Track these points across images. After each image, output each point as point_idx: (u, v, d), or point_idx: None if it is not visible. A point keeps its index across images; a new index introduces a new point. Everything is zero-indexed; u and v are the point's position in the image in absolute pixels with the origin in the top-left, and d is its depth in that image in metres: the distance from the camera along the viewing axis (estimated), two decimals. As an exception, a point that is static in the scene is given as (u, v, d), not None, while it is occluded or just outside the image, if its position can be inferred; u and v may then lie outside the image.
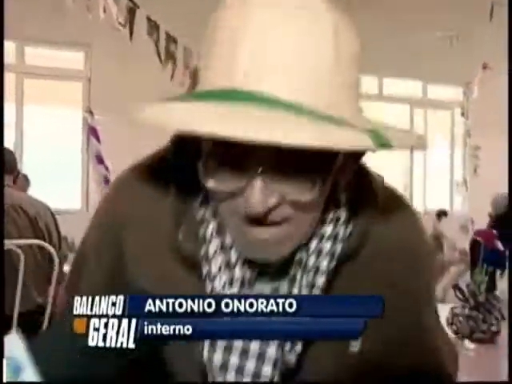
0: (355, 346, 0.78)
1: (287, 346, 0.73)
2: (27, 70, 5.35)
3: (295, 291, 0.74)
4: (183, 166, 0.75)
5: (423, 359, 0.87)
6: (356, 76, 0.69)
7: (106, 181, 5.39)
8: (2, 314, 0.49)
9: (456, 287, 2.01)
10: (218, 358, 0.73)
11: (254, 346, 0.73)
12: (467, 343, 1.91)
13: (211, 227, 0.75)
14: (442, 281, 4.99)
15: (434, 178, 8.21)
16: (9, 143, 5.29)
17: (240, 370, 0.74)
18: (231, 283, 0.74)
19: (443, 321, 1.89)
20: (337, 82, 0.64)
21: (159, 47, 4.82)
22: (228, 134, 0.54)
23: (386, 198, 0.82)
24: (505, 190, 4.45)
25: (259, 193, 0.64)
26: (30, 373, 0.64)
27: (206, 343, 0.73)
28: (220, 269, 0.74)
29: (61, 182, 5.51)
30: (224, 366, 0.74)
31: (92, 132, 5.30)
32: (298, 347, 0.74)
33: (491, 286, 1.98)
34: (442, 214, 5.40)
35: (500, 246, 2.32)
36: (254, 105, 0.60)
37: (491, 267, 1.96)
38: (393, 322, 0.74)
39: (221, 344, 0.73)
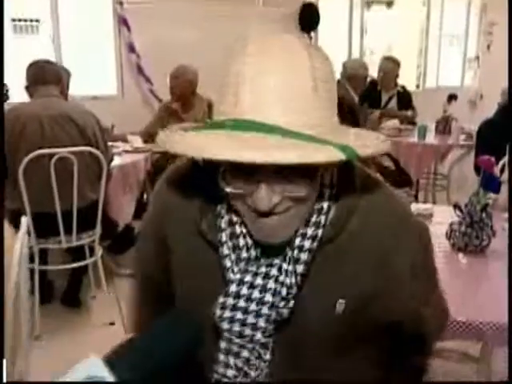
0: (340, 306, 0.95)
1: (281, 303, 0.91)
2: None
3: (284, 266, 0.91)
4: (207, 173, 0.93)
5: (403, 318, 1.02)
6: (332, 96, 0.84)
7: (139, 68, 5.60)
8: (1, 314, 0.60)
9: (456, 206, 2.12)
10: (227, 314, 0.92)
11: (253, 306, 0.91)
12: (461, 256, 2.06)
13: (224, 220, 0.94)
14: (447, 159, 5.23)
15: (447, 55, 8.11)
16: (47, 38, 5.46)
17: (243, 322, 0.92)
18: (238, 261, 0.93)
19: (443, 235, 2.07)
20: (317, 107, 0.80)
21: None
22: (237, 159, 0.72)
23: (368, 189, 0.97)
24: None
25: (265, 194, 0.81)
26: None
27: (219, 304, 0.92)
28: (230, 250, 0.93)
29: (97, 71, 5.69)
30: (232, 320, 0.92)
31: (122, 22, 5.42)
32: (290, 303, 0.92)
33: (485, 207, 2.07)
34: (452, 98, 5.50)
35: (497, 172, 2.49)
36: (256, 132, 0.76)
37: (488, 192, 2.08)
38: (373, 288, 0.95)
39: (229, 304, 0.92)
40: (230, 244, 0.93)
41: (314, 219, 0.91)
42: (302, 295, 0.93)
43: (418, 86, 7.84)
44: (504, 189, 2.65)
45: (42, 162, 2.84)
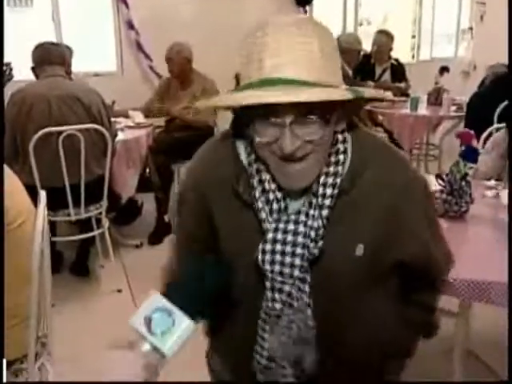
0: (360, 250, 1.11)
1: (312, 244, 1.08)
2: None
3: (311, 212, 1.08)
4: (239, 139, 1.14)
5: (415, 259, 1.18)
6: (335, 62, 1.04)
7: (138, 44, 5.69)
8: (1, 315, 0.69)
9: (438, 176, 2.26)
10: (268, 258, 1.09)
11: (288, 248, 1.08)
12: (442, 221, 2.09)
13: (256, 180, 1.10)
14: (438, 130, 5.38)
15: (441, 26, 8.19)
16: (48, 17, 5.51)
17: (282, 262, 1.09)
18: (272, 212, 1.10)
19: None
20: (324, 67, 0.99)
21: None
22: (265, 101, 0.92)
23: (377, 148, 1.15)
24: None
25: (289, 138, 0.99)
26: (179, 314, 0.84)
27: (260, 250, 1.09)
28: (263, 204, 1.10)
29: (97, 48, 5.79)
30: (272, 262, 1.09)
31: (120, -2, 5.51)
32: (319, 243, 1.08)
33: (465, 176, 2.20)
34: (444, 69, 5.62)
35: (475, 144, 2.64)
36: (278, 85, 0.96)
37: (467, 162, 2.21)
38: (388, 233, 1.12)
39: (268, 249, 1.09)
40: (263, 199, 1.10)
41: (332, 170, 1.09)
42: (330, 239, 1.09)
43: (413, 57, 7.92)
44: (484, 158, 2.83)
45: (50, 139, 3.00)
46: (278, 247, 1.09)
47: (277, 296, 1.12)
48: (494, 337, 2.81)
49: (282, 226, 1.09)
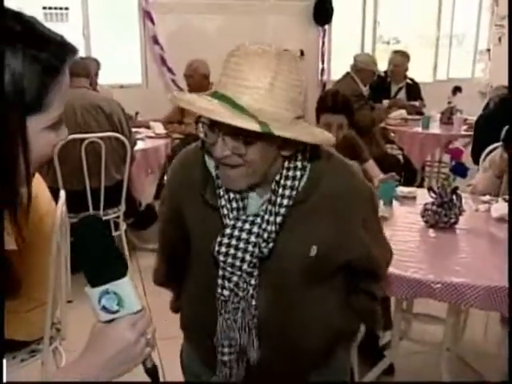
0: (313, 251, 1.27)
1: (263, 244, 1.23)
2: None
3: (266, 217, 1.23)
4: (206, 151, 1.27)
5: (358, 259, 1.35)
6: (289, 98, 1.13)
7: (162, 59, 5.95)
8: (2, 316, 0.78)
9: (430, 189, 2.39)
10: (223, 250, 1.25)
11: (241, 244, 1.25)
12: (431, 231, 2.32)
13: (221, 192, 1.26)
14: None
15: (458, 47, 8.32)
16: (79, 32, 5.80)
17: (234, 256, 1.25)
18: (232, 211, 1.25)
19: (418, 214, 2.38)
20: (268, 98, 1.10)
21: None
22: (193, 109, 1.08)
23: (332, 163, 1.30)
24: None
25: (219, 146, 1.14)
26: (112, 284, 0.89)
27: (217, 242, 1.25)
28: (226, 202, 1.25)
29: (124, 62, 6.06)
30: (226, 254, 1.25)
31: (146, 15, 5.77)
32: (270, 245, 1.24)
33: (455, 189, 2.34)
34: (457, 89, 5.73)
35: (465, 160, 2.77)
36: (218, 100, 1.10)
37: (456, 176, 2.35)
38: (337, 237, 1.29)
39: (224, 242, 1.24)
40: (226, 197, 1.26)
41: (289, 183, 1.23)
42: (284, 241, 1.25)
43: (431, 76, 8.03)
44: (481, 176, 2.95)
45: (73, 146, 3.22)
46: (233, 242, 1.25)
47: (226, 284, 1.30)
48: (483, 344, 2.91)
49: (239, 224, 1.26)
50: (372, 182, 2.77)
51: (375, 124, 5.04)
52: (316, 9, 6.65)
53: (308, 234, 1.28)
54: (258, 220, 1.26)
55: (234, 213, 1.26)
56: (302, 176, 1.25)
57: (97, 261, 0.90)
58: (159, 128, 4.51)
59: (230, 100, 1.11)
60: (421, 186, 5.28)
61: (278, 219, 1.23)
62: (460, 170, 2.32)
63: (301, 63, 1.21)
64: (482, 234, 2.42)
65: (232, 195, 1.26)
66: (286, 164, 1.24)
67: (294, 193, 1.24)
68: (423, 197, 2.76)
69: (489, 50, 8.03)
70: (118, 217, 3.58)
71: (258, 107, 1.10)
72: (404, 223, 2.44)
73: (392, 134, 5.31)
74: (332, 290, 1.40)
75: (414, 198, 2.83)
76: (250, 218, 1.26)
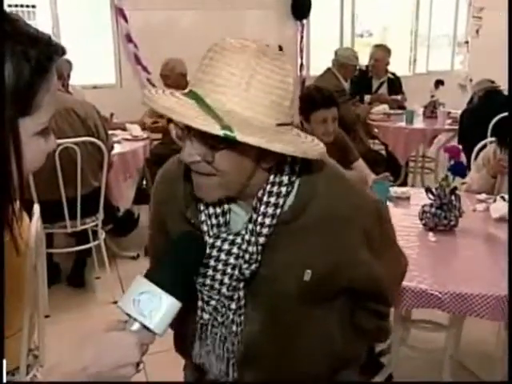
0: (307, 275, 1.13)
1: (244, 265, 1.11)
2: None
3: (247, 237, 1.10)
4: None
5: (360, 282, 1.20)
6: (268, 100, 0.98)
7: (136, 57, 5.76)
8: (1, 316, 0.72)
9: (428, 190, 2.28)
10: (201, 271, 1.13)
11: (220, 266, 1.13)
12: (431, 234, 2.22)
13: (202, 206, 1.15)
14: (434, 144, 5.42)
15: (437, 40, 8.27)
16: (47, 30, 5.53)
17: (213, 278, 1.14)
18: (212, 227, 1.13)
19: (415, 216, 2.29)
20: (244, 99, 0.96)
21: None
22: (156, 108, 0.95)
23: (328, 179, 1.13)
24: (503, 51, 4.62)
25: (187, 148, 1.01)
26: (164, 294, 0.88)
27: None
28: (206, 217, 1.14)
29: (97, 62, 5.85)
30: (204, 275, 1.14)
31: (119, 12, 5.57)
32: (252, 266, 1.11)
33: (454, 190, 2.23)
34: (439, 83, 5.68)
35: (463, 159, 2.69)
36: (190, 98, 0.97)
37: (455, 176, 2.25)
38: (334, 260, 1.14)
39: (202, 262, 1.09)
40: (206, 212, 1.14)
41: (273, 200, 1.09)
42: (272, 263, 1.13)
43: (409, 70, 7.98)
44: (475, 176, 2.86)
45: (46, 152, 3.02)
46: (212, 263, 1.14)
47: (205, 307, 1.18)
48: (483, 349, 2.83)
49: (218, 243, 1.13)
50: (367, 183, 2.66)
51: (360, 120, 4.96)
52: (294, 3, 6.53)
53: (299, 256, 1.13)
54: (239, 240, 1.12)
55: (215, 229, 1.14)
56: (288, 193, 1.11)
57: (175, 267, 0.92)
58: (136, 130, 4.33)
59: (198, 98, 0.97)
60: (405, 181, 5.22)
61: (261, 240, 1.10)
62: (459, 170, 2.21)
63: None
64: (484, 236, 2.33)
65: (212, 210, 1.14)
66: (271, 178, 1.09)
67: (279, 211, 1.10)
68: (417, 197, 2.67)
69: (467, 43, 8.01)
70: (96, 225, 3.40)
71: (228, 108, 0.96)
72: (401, 226, 2.31)
73: (375, 130, 5.22)
74: (332, 309, 1.25)
75: (408, 198, 2.73)
76: (231, 237, 1.13)
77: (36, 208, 1.88)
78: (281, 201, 1.10)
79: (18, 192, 0.84)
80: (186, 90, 1.02)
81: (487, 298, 1.75)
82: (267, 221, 1.09)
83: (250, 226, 1.10)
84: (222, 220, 1.14)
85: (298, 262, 1.14)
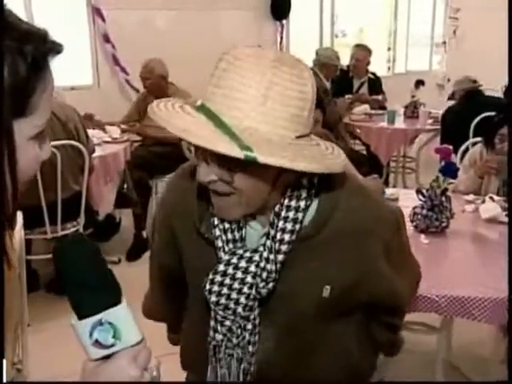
0: (326, 292, 1.10)
1: (261, 284, 1.06)
2: None
3: (265, 254, 1.05)
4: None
5: (380, 297, 1.18)
6: (287, 113, 0.93)
7: (114, 58, 5.64)
8: (1, 316, 0.68)
9: (418, 191, 2.25)
10: (215, 289, 1.09)
11: (236, 284, 1.08)
12: (423, 237, 2.20)
13: (216, 220, 1.10)
14: (415, 144, 5.45)
15: (416, 40, 8.32)
16: None
17: (228, 297, 1.08)
18: (227, 243, 1.09)
19: (406, 218, 2.25)
20: (262, 114, 0.91)
21: None
22: (167, 126, 0.90)
23: (350, 192, 1.10)
24: (481, 51, 4.62)
25: (202, 168, 0.98)
26: (105, 313, 0.75)
27: (208, 279, 1.08)
28: (221, 232, 1.09)
29: (73, 62, 5.70)
30: (219, 294, 1.09)
31: (96, 12, 5.45)
32: (270, 285, 1.07)
33: (445, 191, 2.21)
34: (419, 83, 5.70)
35: (454, 159, 2.67)
36: (203, 114, 0.92)
37: (446, 177, 2.22)
38: (354, 275, 1.11)
39: (217, 280, 1.08)
40: (221, 227, 1.09)
41: (292, 215, 1.04)
42: (289, 281, 1.08)
43: (388, 69, 8.01)
44: (462, 177, 2.85)
45: (25, 156, 2.93)
46: (227, 281, 1.08)
47: (219, 327, 1.12)
48: (475, 351, 2.82)
49: (234, 260, 1.08)
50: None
51: (341, 119, 4.95)
52: (273, 3, 6.48)
53: (319, 272, 1.09)
54: (256, 257, 1.07)
55: (230, 245, 1.10)
56: (307, 207, 1.06)
57: (85, 287, 0.76)
58: (116, 132, 4.24)
59: (214, 116, 0.92)
60: (386, 181, 5.22)
61: (280, 257, 1.06)
62: (450, 171, 2.18)
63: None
64: (475, 237, 2.33)
65: (227, 225, 1.09)
66: (289, 192, 1.04)
67: (298, 226, 1.05)
68: (406, 198, 2.65)
69: (444, 43, 8.08)
70: (77, 230, 3.31)
71: (245, 125, 0.91)
72: (392, 229, 2.29)
73: (358, 130, 5.21)
74: (350, 323, 1.22)
75: (397, 199, 2.70)
76: (248, 254, 1.08)
77: (19, 215, 1.80)
78: (300, 215, 1.05)
79: (12, 204, 0.76)
80: (198, 103, 0.96)
81: (484, 301, 1.73)
82: (286, 237, 1.05)
83: (268, 243, 1.06)
84: (237, 235, 1.10)
85: (317, 277, 1.10)
